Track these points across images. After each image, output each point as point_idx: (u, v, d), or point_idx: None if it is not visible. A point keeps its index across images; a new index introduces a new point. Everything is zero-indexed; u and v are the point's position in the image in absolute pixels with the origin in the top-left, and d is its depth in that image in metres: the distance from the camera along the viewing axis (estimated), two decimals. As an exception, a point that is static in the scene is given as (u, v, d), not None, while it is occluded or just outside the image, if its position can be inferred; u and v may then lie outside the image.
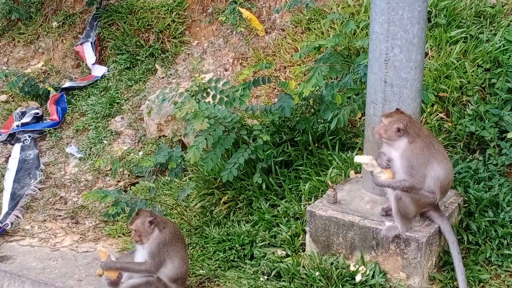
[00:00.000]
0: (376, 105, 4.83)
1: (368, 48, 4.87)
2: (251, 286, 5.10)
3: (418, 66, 4.71)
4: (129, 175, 7.06)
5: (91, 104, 8.08)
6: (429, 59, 6.27)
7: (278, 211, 5.65)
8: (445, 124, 5.85)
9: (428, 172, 4.60)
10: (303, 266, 5.04)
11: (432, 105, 5.97)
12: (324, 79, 5.89)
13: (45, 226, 6.54)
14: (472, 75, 5.97)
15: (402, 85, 4.71)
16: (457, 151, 5.64)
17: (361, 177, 5.31)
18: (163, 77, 8.07)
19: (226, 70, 7.70)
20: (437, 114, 5.94)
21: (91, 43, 8.67)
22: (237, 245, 5.54)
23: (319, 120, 6.13)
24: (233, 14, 7.86)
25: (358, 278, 4.78)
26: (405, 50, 4.63)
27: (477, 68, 6.01)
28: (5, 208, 6.71)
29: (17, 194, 6.93)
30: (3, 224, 6.43)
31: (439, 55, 6.28)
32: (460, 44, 6.21)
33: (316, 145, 6.06)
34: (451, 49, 6.25)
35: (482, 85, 5.94)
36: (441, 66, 6.09)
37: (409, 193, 4.59)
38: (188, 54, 8.13)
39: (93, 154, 7.45)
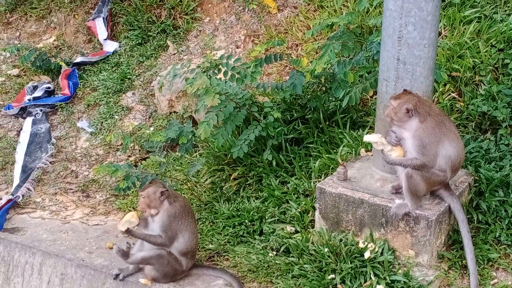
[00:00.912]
0: (388, 83, 4.82)
1: (382, 26, 4.84)
2: (260, 261, 5.13)
3: (432, 44, 4.69)
4: (139, 150, 7.09)
5: (102, 80, 8.09)
6: (443, 39, 6.23)
7: (287, 188, 5.66)
8: (457, 103, 5.84)
9: (439, 150, 4.59)
10: (312, 242, 5.07)
11: (445, 85, 5.95)
12: (337, 57, 5.87)
13: (56, 199, 6.59)
14: (485, 55, 5.94)
15: (415, 63, 4.69)
16: (469, 131, 5.63)
17: (372, 155, 5.31)
18: (174, 54, 8.06)
19: (237, 48, 7.69)
20: (450, 94, 5.92)
21: (103, 18, 8.66)
22: (246, 221, 5.56)
23: (330, 98, 6.12)
24: (246, -9, 7.83)
25: (366, 255, 4.80)
26: (418, 28, 4.61)
27: (490, 48, 5.98)
28: (16, 181, 6.76)
29: (28, 167, 6.97)
30: (14, 196, 6.48)
31: (453, 35, 6.24)
32: (474, 24, 6.18)
33: (327, 123, 6.05)
34: (465, 29, 6.21)
35: (495, 65, 5.91)
36: (454, 45, 6.06)
37: (420, 171, 4.59)
38: (200, 31, 8.11)
39: (104, 129, 7.47)
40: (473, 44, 6.03)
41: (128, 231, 4.92)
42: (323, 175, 5.57)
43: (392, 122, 4.67)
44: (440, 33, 6.21)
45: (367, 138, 4.78)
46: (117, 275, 5.19)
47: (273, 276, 5.00)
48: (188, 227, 5.00)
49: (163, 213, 4.92)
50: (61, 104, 7.95)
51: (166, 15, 8.33)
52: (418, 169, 4.58)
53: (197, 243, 5.14)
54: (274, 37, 7.31)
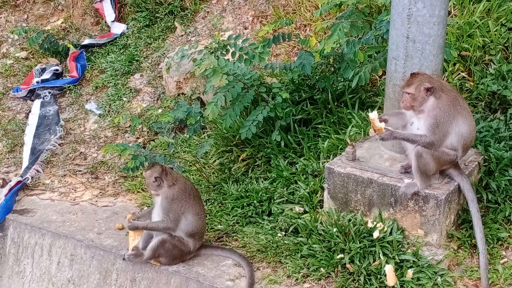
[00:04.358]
0: (397, 61, 4.78)
1: (391, 3, 4.80)
2: (269, 241, 5.13)
3: (441, 22, 4.65)
4: (148, 132, 7.09)
5: (110, 62, 8.08)
6: (452, 17, 6.18)
7: (296, 168, 5.65)
8: (467, 83, 5.79)
9: (451, 129, 4.56)
10: (321, 223, 5.06)
11: (454, 64, 5.91)
12: (345, 37, 5.82)
13: (65, 181, 6.61)
14: (495, 34, 5.88)
15: (424, 41, 4.65)
16: (478, 111, 5.59)
17: (381, 135, 5.28)
18: (182, 35, 8.04)
19: (245, 29, 7.65)
20: (459, 73, 5.88)
21: (111, 0, 8.63)
22: (255, 202, 5.56)
23: (339, 79, 6.09)
24: (254, -29, 7.78)
25: (375, 234, 4.79)
26: (428, 5, 4.56)
27: (500, 27, 5.93)
28: (25, 163, 6.79)
29: (37, 149, 6.99)
30: (24, 178, 6.50)
31: (462, 14, 6.19)
32: (484, 3, 6.11)
33: (336, 103, 6.03)
34: (475, 8, 6.15)
35: (505, 44, 5.86)
36: (464, 24, 6.00)
37: (429, 149, 4.56)
38: (208, 12, 8.07)
39: (112, 111, 7.47)
40: (483, 23, 5.97)
41: (133, 227, 5.04)
42: (331, 156, 5.56)
43: (412, 109, 4.61)
44: (449, 12, 6.16)
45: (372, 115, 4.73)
46: None
47: (282, 256, 5.00)
48: (190, 209, 4.99)
49: (162, 196, 4.96)
50: (69, 86, 7.96)
51: (173, -4, 8.30)
52: (426, 146, 4.56)
53: (204, 224, 5.13)
54: (282, 18, 7.26)
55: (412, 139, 4.60)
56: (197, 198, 5.11)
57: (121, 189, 6.40)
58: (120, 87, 7.71)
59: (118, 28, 8.54)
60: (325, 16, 6.95)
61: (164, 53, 7.85)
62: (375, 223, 4.87)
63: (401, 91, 4.66)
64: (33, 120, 7.45)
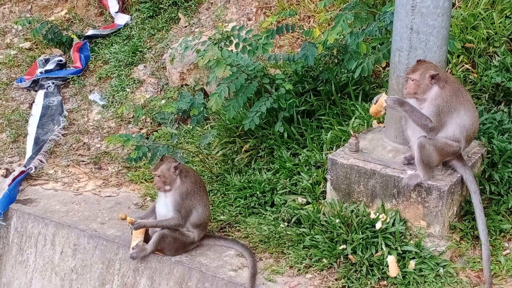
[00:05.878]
0: (401, 53, 4.77)
1: (395, -6, 4.79)
2: (271, 231, 5.14)
3: (446, 13, 4.63)
4: (151, 123, 7.09)
5: (114, 53, 8.09)
6: (456, 9, 6.16)
7: (299, 159, 5.65)
8: (471, 75, 5.79)
9: (451, 120, 4.56)
10: (324, 213, 5.07)
11: (458, 56, 5.90)
12: (349, 28, 5.81)
13: (68, 171, 6.62)
14: (499, 26, 5.87)
15: (428, 32, 4.64)
16: (482, 103, 5.59)
17: (384, 126, 5.28)
18: (186, 26, 8.03)
19: (249, 20, 7.64)
20: (463, 65, 5.87)
21: (114, -9, 8.64)
22: (258, 193, 5.57)
23: (342, 70, 6.09)
24: (258, -38, 7.76)
25: (378, 225, 4.80)
26: (432, -4, 4.56)
27: (505, 19, 5.92)
28: (29, 153, 6.80)
29: (41, 139, 7.00)
30: (27, 168, 6.51)
31: (467, 6, 6.17)
32: (489, -6, 6.10)
33: (339, 95, 6.02)
34: (479, -1, 6.15)
35: (510, 36, 5.85)
36: (468, 16, 5.99)
37: (428, 138, 4.56)
38: (211, 3, 8.06)
39: (116, 102, 7.48)
40: (487, 14, 5.96)
41: (139, 227, 5.00)
42: (334, 147, 5.56)
43: (415, 96, 4.60)
44: (454, 4, 6.14)
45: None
46: None
47: (284, 247, 5.02)
48: (200, 201, 5.02)
49: (175, 192, 4.94)
50: (73, 77, 7.96)
51: (177, -13, 8.29)
52: (426, 130, 4.56)
53: (209, 215, 5.16)
54: (286, 9, 7.25)
55: (414, 116, 4.58)
56: (205, 189, 5.14)
57: (124, 179, 6.41)
58: (123, 78, 7.71)
59: (122, 19, 8.54)
60: (329, 8, 6.93)
61: (167, 44, 7.85)
62: (377, 214, 4.87)
63: (406, 77, 4.65)
64: (36, 111, 7.46)
